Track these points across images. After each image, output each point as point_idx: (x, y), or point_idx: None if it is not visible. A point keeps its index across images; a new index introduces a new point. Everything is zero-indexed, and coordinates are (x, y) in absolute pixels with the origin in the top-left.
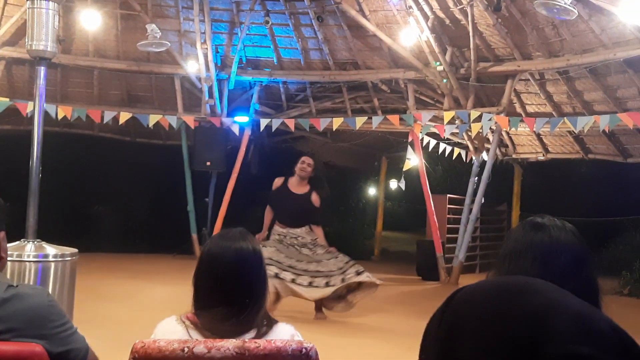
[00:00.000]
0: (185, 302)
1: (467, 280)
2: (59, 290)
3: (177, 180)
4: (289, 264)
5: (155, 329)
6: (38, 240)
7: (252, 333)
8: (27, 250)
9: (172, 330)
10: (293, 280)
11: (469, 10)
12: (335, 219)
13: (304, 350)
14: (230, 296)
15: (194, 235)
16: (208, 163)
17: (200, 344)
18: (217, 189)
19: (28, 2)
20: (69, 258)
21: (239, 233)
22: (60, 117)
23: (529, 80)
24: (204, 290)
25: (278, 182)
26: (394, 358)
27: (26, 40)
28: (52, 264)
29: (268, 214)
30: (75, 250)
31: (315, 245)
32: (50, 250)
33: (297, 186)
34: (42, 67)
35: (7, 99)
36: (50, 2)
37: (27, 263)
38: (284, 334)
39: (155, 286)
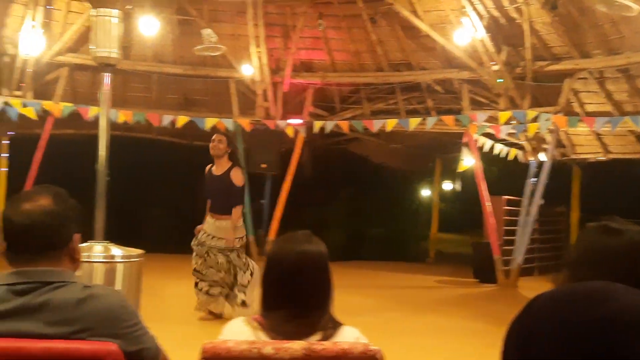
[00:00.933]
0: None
1: (525, 282)
2: (126, 291)
3: None
4: (211, 277)
5: (224, 330)
6: (106, 241)
7: (318, 335)
8: (95, 251)
9: (240, 331)
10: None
11: (524, 8)
12: (388, 221)
13: (369, 352)
14: (296, 298)
15: (251, 237)
16: (263, 165)
17: (268, 345)
18: (272, 191)
19: (93, 10)
20: (136, 259)
21: (304, 235)
22: (120, 120)
23: (587, 78)
24: (270, 291)
25: (207, 168)
26: (465, 357)
27: (91, 47)
28: (119, 265)
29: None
30: (142, 251)
31: (231, 251)
32: (118, 251)
33: (217, 167)
34: (107, 73)
35: (71, 104)
36: (114, 9)
37: (95, 264)
38: (349, 336)
39: None
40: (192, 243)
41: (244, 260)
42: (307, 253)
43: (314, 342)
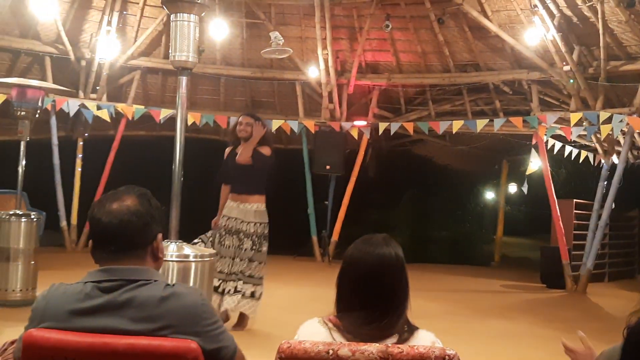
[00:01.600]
0: (310, 303)
1: (595, 289)
2: None
3: (298, 184)
4: (225, 270)
5: (299, 330)
6: (180, 240)
7: (394, 338)
8: (170, 250)
9: (316, 331)
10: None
11: (599, 7)
12: (453, 224)
13: (447, 357)
14: (372, 301)
15: (314, 238)
16: (327, 167)
17: (345, 346)
18: (336, 192)
19: (172, 15)
20: (208, 259)
21: (382, 239)
22: (190, 123)
23: None
24: (345, 293)
25: (227, 150)
26: None
27: (170, 51)
28: (193, 264)
29: (224, 192)
30: (214, 251)
31: (248, 236)
32: (191, 251)
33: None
34: (184, 77)
35: (143, 107)
36: (192, 14)
37: (170, 263)
38: (425, 340)
39: (279, 286)
40: (206, 236)
41: (264, 249)
42: (385, 256)
43: (391, 345)
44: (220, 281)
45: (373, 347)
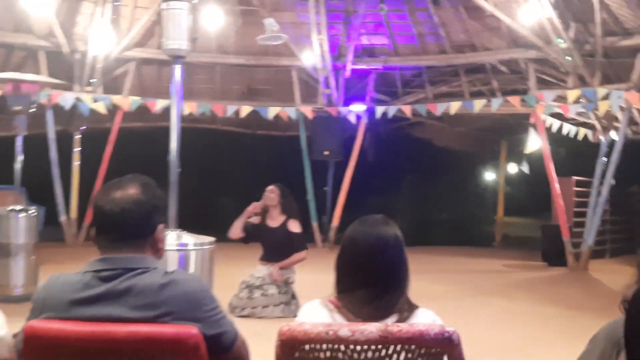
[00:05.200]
0: (314, 289)
1: (596, 265)
2: None
3: (297, 170)
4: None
5: (300, 312)
6: (179, 229)
7: (394, 317)
8: (169, 239)
9: (317, 313)
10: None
11: None
12: (453, 205)
13: (446, 334)
14: (371, 280)
15: (314, 224)
16: (326, 152)
17: (345, 327)
18: (335, 177)
19: (163, 3)
20: (208, 246)
21: (381, 218)
22: (186, 112)
23: None
24: (345, 274)
25: (257, 219)
26: (537, 343)
27: (162, 39)
28: (193, 253)
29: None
30: (213, 239)
31: (269, 285)
32: (190, 239)
33: (272, 219)
34: (178, 65)
35: (139, 98)
36: (184, 2)
37: (170, 252)
38: (425, 318)
39: None
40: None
41: (289, 296)
42: (384, 235)
43: (390, 324)
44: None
45: (373, 327)
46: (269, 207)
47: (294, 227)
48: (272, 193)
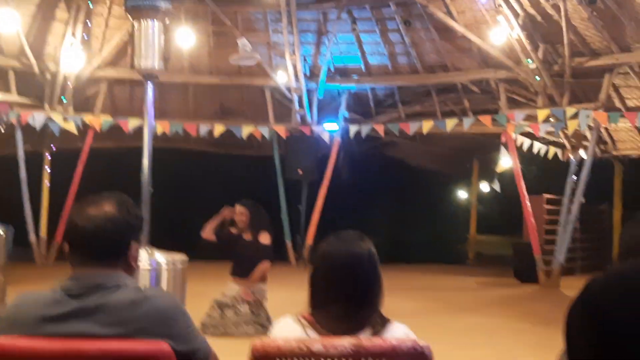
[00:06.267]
0: (288, 307)
1: (567, 282)
2: None
3: (271, 189)
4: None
5: (273, 329)
6: (150, 247)
7: (367, 332)
8: (141, 257)
9: (290, 329)
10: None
11: (561, 4)
12: (426, 224)
13: (419, 348)
14: (345, 296)
15: (288, 242)
16: (300, 171)
17: (318, 342)
18: (309, 196)
19: (135, 22)
20: (180, 265)
21: (355, 234)
22: (159, 132)
23: (628, 73)
24: (319, 289)
25: (235, 230)
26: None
27: (134, 58)
28: (165, 271)
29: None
30: (185, 257)
31: (241, 304)
32: (162, 257)
33: (246, 233)
34: (150, 84)
35: (110, 118)
36: (156, 21)
37: (142, 270)
38: (398, 332)
39: None
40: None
41: (258, 315)
42: (358, 251)
43: (363, 338)
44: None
45: (345, 341)
46: (240, 230)
47: (264, 239)
48: (242, 216)
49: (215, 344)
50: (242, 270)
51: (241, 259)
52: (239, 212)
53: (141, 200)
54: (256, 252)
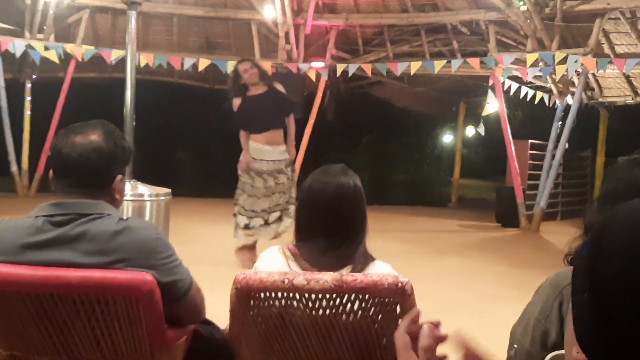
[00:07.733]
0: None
1: (548, 227)
2: None
3: None
4: (259, 208)
5: (259, 257)
6: (134, 180)
7: (349, 268)
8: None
9: (274, 259)
10: (265, 222)
11: None
12: (411, 166)
13: (399, 284)
14: (330, 229)
15: None
16: None
17: (300, 275)
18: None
19: None
20: (163, 198)
21: (340, 169)
22: (142, 64)
23: (619, 19)
24: (305, 223)
25: (236, 101)
26: (489, 298)
27: None
28: (148, 203)
29: (244, 136)
30: (169, 190)
31: (280, 173)
32: (145, 190)
33: (254, 91)
34: (133, 12)
35: (93, 47)
36: None
37: (125, 202)
38: (380, 270)
39: None
40: (244, 182)
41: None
42: (344, 185)
43: (345, 274)
44: (266, 214)
45: (327, 276)
46: (252, 84)
47: (280, 87)
48: (251, 71)
49: (197, 273)
50: (268, 124)
51: (263, 115)
52: (244, 70)
53: (124, 133)
54: (274, 102)
